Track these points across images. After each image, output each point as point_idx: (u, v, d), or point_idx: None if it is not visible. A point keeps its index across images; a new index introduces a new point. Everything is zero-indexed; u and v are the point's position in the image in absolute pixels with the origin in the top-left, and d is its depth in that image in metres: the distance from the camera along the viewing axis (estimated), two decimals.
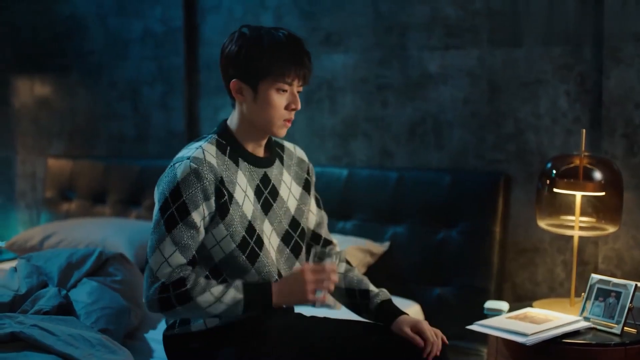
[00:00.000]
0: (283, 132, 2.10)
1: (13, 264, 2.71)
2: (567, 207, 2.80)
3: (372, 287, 2.26)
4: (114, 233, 3.55)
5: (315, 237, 2.34)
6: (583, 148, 2.68)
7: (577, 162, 2.67)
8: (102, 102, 4.34)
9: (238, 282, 2.00)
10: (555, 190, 2.69)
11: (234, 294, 1.97)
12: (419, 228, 3.28)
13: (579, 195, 2.68)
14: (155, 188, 2.05)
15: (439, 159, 3.38)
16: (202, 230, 2.00)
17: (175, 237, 1.96)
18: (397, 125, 3.47)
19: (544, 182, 2.74)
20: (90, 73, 4.37)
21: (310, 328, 2.20)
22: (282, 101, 2.05)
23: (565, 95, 3.10)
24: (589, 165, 2.66)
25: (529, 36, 3.16)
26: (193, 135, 3.99)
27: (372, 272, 3.22)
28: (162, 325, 2.62)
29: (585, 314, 2.53)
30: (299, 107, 2.08)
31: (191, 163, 1.98)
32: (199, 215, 1.98)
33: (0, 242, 4.27)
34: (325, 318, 2.28)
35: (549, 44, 3.12)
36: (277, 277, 2.12)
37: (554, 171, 2.70)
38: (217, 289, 1.97)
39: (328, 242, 2.37)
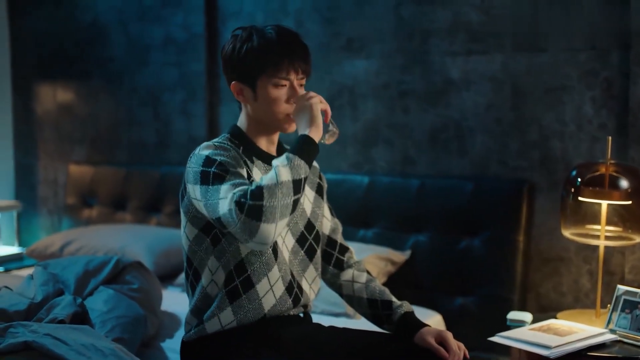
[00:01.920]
0: (291, 127, 2.06)
1: (32, 271, 2.69)
2: (592, 216, 2.74)
3: (394, 299, 2.23)
4: (133, 240, 3.54)
5: (331, 242, 2.31)
6: (609, 155, 2.62)
7: (602, 169, 2.61)
8: (123, 109, 4.34)
9: (284, 159, 1.87)
10: (580, 198, 2.63)
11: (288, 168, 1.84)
12: (441, 236, 3.23)
13: (604, 204, 2.61)
14: (185, 177, 1.99)
15: (461, 166, 3.32)
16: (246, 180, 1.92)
17: (230, 180, 1.86)
18: (419, 132, 3.43)
19: (568, 190, 2.68)
20: (111, 79, 4.37)
21: (327, 337, 2.16)
22: (282, 96, 2.02)
23: (591, 101, 3.04)
24: (615, 173, 2.60)
25: (553, 41, 3.11)
26: None
27: (393, 281, 3.19)
28: (179, 334, 2.60)
29: (612, 326, 2.46)
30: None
31: (214, 143, 1.99)
32: (243, 171, 1.93)
33: (22, 249, 4.29)
34: (343, 328, 2.24)
35: (574, 49, 3.06)
36: (290, 276, 2.09)
37: (579, 179, 2.64)
38: (276, 173, 1.82)
39: (345, 249, 2.34)
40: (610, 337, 2.41)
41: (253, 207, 1.78)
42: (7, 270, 4.05)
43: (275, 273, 2.05)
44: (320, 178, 2.29)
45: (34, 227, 4.72)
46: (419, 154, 3.43)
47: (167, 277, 3.47)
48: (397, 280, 3.19)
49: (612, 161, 2.63)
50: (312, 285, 2.21)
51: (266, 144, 2.11)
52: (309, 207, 2.20)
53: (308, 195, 2.21)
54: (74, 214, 4.38)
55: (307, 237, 2.18)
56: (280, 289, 2.08)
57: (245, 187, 1.83)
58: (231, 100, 3.91)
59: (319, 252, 2.22)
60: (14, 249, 4.35)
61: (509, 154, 3.22)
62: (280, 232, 1.83)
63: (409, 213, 3.30)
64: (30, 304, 2.35)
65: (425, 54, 3.39)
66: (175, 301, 2.98)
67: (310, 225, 2.19)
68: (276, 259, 2.05)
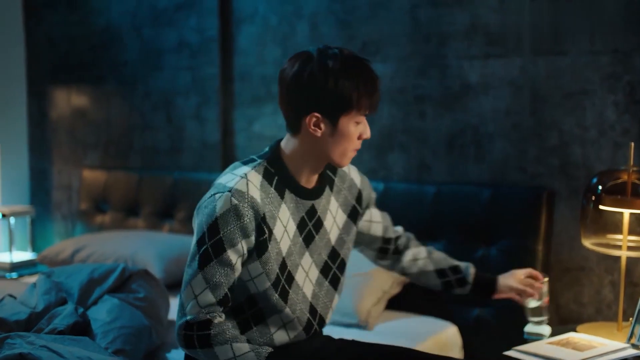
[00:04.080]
0: (349, 162, 2.00)
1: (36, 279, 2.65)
2: (614, 225, 2.65)
3: (457, 262, 2.35)
4: (144, 247, 3.49)
5: (386, 241, 2.33)
6: (632, 162, 2.52)
7: (624, 177, 2.51)
8: (136, 113, 4.30)
9: (264, 350, 1.88)
10: (601, 207, 2.53)
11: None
12: (457, 245, 3.13)
13: (627, 212, 2.51)
14: (194, 215, 1.94)
15: (479, 173, 3.24)
16: (238, 267, 1.89)
17: (207, 274, 1.85)
18: (436, 138, 3.34)
19: (589, 198, 2.58)
20: (125, 84, 4.33)
21: (336, 351, 2.10)
22: (357, 133, 1.95)
23: (613, 106, 2.94)
24: (637, 181, 2.50)
25: (574, 44, 3.01)
26: (227, 146, 3.92)
27: (408, 290, 3.11)
28: None
29: (634, 340, 2.36)
30: (370, 135, 1.98)
31: (232, 197, 1.85)
32: (236, 253, 1.87)
33: (35, 254, 4.25)
34: (352, 341, 2.19)
35: (596, 52, 2.97)
36: (308, 314, 2.02)
37: (600, 187, 2.55)
38: (239, 347, 1.85)
39: (397, 238, 2.36)
40: (631, 352, 2.31)
41: (189, 340, 1.85)
42: (20, 277, 4.03)
43: (287, 315, 1.98)
44: (358, 200, 2.17)
45: (48, 233, 4.69)
46: (436, 160, 3.34)
47: (177, 285, 3.39)
48: (411, 290, 3.11)
49: (635, 168, 2.53)
50: (334, 309, 2.17)
51: (307, 177, 2.00)
52: (335, 235, 2.10)
53: (338, 222, 2.11)
54: (87, 219, 4.35)
55: (331, 267, 2.10)
56: (296, 329, 2.02)
57: (202, 318, 1.84)
58: (245, 106, 3.87)
59: (342, 279, 2.14)
60: (27, 255, 4.32)
61: (527, 160, 3.13)
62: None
63: (425, 221, 3.21)
64: (31, 313, 2.31)
65: (442, 58, 3.31)
66: None
67: (334, 254, 2.10)
68: (286, 302, 1.97)
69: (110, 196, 4.27)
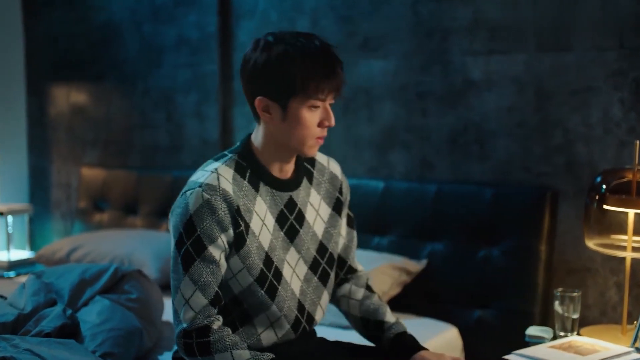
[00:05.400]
0: (314, 151, 1.91)
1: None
2: (618, 225, 2.58)
3: (388, 318, 2.09)
4: (140, 246, 3.44)
5: (340, 262, 2.15)
6: (637, 161, 2.45)
7: (629, 176, 2.45)
8: (136, 111, 4.25)
9: (265, 357, 1.83)
10: (605, 207, 2.47)
11: None
12: (458, 245, 3.06)
13: (631, 212, 2.44)
14: (169, 217, 1.89)
15: (482, 171, 3.17)
16: (223, 263, 1.84)
17: (193, 275, 1.80)
18: (438, 135, 3.28)
19: (592, 197, 2.51)
20: (124, 81, 4.28)
21: (331, 354, 2.06)
22: (315, 119, 1.86)
23: (619, 103, 2.86)
24: None
25: (579, 39, 2.94)
26: (227, 144, 3.85)
27: (407, 291, 3.05)
28: None
29: (638, 344, 2.28)
30: (333, 123, 1.88)
31: (203, 192, 1.80)
32: (218, 249, 1.82)
33: (33, 253, 4.21)
34: (348, 343, 2.14)
35: (602, 48, 2.89)
36: (296, 312, 1.96)
37: (604, 186, 2.48)
38: (239, 354, 1.80)
39: (352, 270, 2.18)
40: (635, 356, 2.23)
41: (190, 348, 1.81)
42: (18, 275, 3.99)
43: (274, 313, 1.92)
44: (340, 192, 2.10)
45: (47, 231, 4.65)
46: (438, 159, 3.28)
47: None
48: (412, 291, 3.05)
49: None
50: (324, 308, 2.09)
51: (279, 168, 1.95)
52: (321, 228, 2.04)
53: (322, 215, 2.04)
54: (85, 218, 4.30)
55: (320, 262, 2.03)
56: (283, 327, 1.96)
57: (199, 324, 1.80)
58: (245, 103, 3.81)
59: (332, 275, 2.08)
60: (25, 254, 4.28)
61: (532, 158, 3.06)
62: None
63: (426, 220, 3.15)
64: (19, 315, 2.25)
65: (445, 54, 3.24)
66: None
67: (322, 248, 2.03)
68: (273, 299, 1.91)
69: (109, 194, 4.23)
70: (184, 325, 1.81)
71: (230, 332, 1.85)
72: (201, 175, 1.87)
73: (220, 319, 1.84)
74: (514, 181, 3.09)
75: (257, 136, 1.93)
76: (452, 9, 3.21)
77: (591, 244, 2.55)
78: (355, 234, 2.17)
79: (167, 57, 4.10)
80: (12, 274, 4.00)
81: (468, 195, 3.09)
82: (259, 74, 1.85)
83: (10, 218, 4.21)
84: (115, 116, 4.35)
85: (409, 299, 3.08)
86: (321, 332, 2.62)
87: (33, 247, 4.46)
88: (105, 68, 4.36)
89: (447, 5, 3.22)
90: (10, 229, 4.22)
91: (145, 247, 3.42)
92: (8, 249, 4.18)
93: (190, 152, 4.05)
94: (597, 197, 2.50)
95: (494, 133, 3.15)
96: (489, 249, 3.01)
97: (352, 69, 3.47)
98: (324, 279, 2.04)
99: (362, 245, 3.22)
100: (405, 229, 3.22)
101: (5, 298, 2.52)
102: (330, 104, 1.89)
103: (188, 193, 1.83)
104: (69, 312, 2.23)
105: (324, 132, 1.89)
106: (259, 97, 1.86)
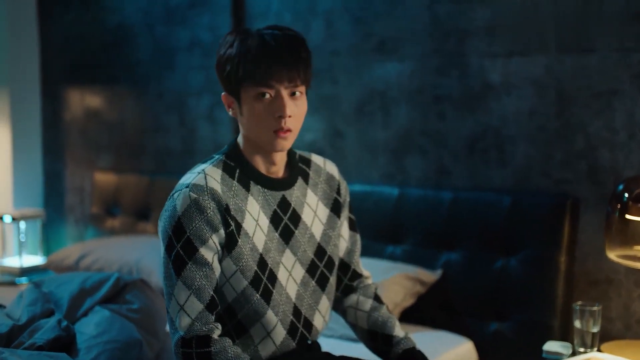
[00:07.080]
0: (279, 145, 1.82)
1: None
2: None
3: (396, 332, 2.00)
4: (149, 254, 3.38)
5: (343, 266, 2.07)
6: None
7: None
8: (149, 115, 4.19)
9: None
10: (627, 216, 2.35)
11: None
12: (475, 255, 2.96)
13: None
14: (158, 223, 1.83)
15: (501, 178, 3.06)
16: (216, 266, 1.78)
17: (186, 279, 1.74)
18: (456, 140, 3.17)
19: (614, 206, 2.40)
20: (137, 84, 4.23)
21: None
22: (265, 109, 1.79)
23: None
24: None
25: (602, 41, 2.83)
26: None
27: (422, 303, 2.96)
28: None
29: None
30: (285, 113, 1.78)
31: (190, 192, 1.75)
32: (210, 250, 1.76)
33: (44, 259, 4.16)
34: (355, 359, 2.03)
35: (626, 49, 2.78)
36: (292, 316, 1.88)
37: (627, 194, 2.36)
38: None
39: (357, 275, 2.09)
40: None
41: (189, 358, 1.73)
42: (30, 281, 3.94)
43: (270, 319, 1.84)
44: (338, 192, 2.03)
45: (61, 236, 4.61)
46: (455, 164, 3.17)
47: None
48: (426, 302, 2.96)
49: None
50: (325, 316, 2.00)
51: (264, 165, 1.89)
52: (319, 230, 1.96)
53: (320, 216, 1.97)
54: (98, 223, 4.26)
55: (318, 265, 1.95)
56: (280, 334, 1.87)
57: (198, 332, 1.72)
58: None
59: (332, 279, 1.99)
60: (38, 259, 4.23)
61: (553, 164, 2.94)
62: None
63: (441, 229, 3.05)
64: (14, 326, 2.18)
65: (462, 56, 3.14)
66: None
67: (320, 251, 1.96)
68: (269, 304, 1.83)
69: (121, 200, 4.18)
70: (181, 333, 1.74)
71: (231, 343, 1.78)
72: (189, 177, 1.83)
73: (219, 327, 1.78)
74: (533, 188, 2.98)
75: (240, 136, 1.91)
76: (470, 9, 3.11)
77: (613, 255, 2.44)
78: (358, 237, 2.10)
79: (180, 60, 4.04)
80: (24, 280, 3.97)
81: (485, 203, 2.98)
82: (216, 68, 1.86)
83: (22, 224, 4.17)
84: (128, 120, 4.30)
85: (422, 311, 2.98)
86: (331, 344, 2.54)
87: (47, 252, 4.41)
88: (118, 71, 4.31)
89: (465, 5, 3.12)
90: (22, 236, 4.18)
91: (153, 255, 3.36)
92: (20, 255, 4.13)
93: (203, 156, 3.97)
94: (619, 206, 2.39)
95: (513, 138, 3.04)
96: (507, 259, 2.90)
97: (367, 72, 3.39)
98: (322, 283, 1.96)
99: (375, 254, 3.12)
100: (420, 237, 3.12)
101: (4, 307, 2.46)
102: (293, 93, 1.81)
103: (175, 195, 1.79)
104: (64, 323, 2.16)
105: (280, 124, 1.80)
106: (222, 94, 1.87)
